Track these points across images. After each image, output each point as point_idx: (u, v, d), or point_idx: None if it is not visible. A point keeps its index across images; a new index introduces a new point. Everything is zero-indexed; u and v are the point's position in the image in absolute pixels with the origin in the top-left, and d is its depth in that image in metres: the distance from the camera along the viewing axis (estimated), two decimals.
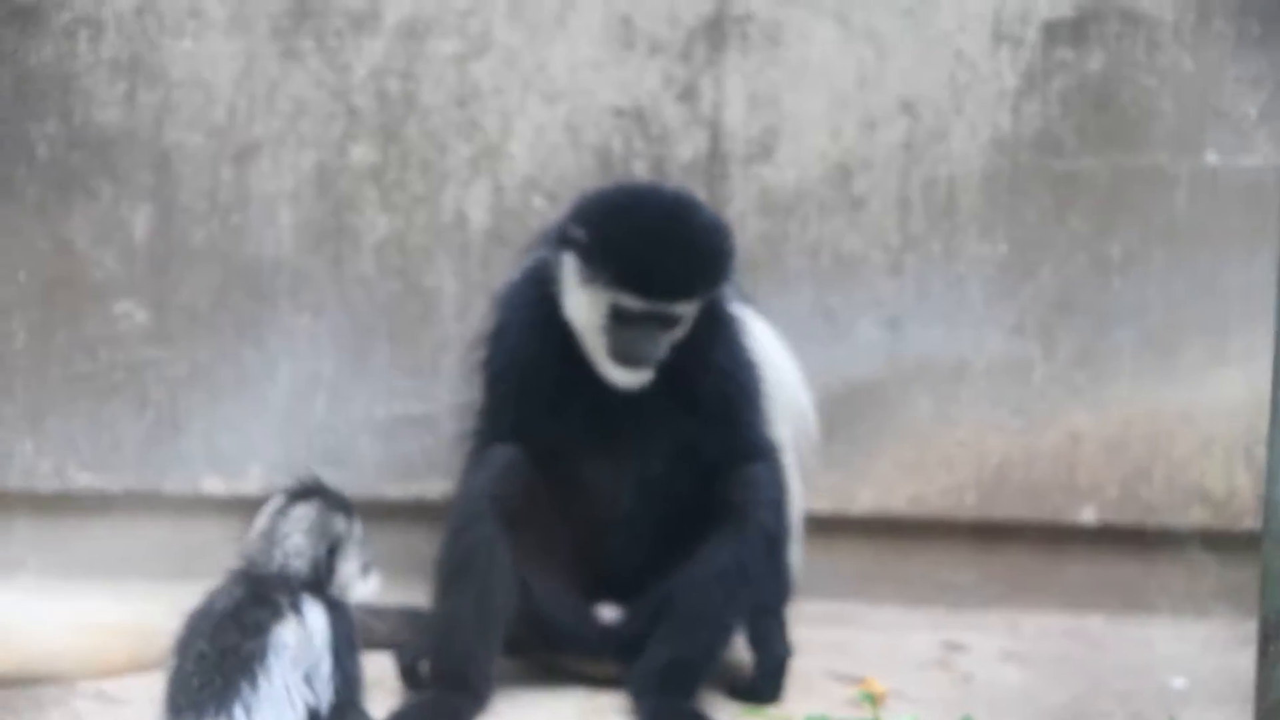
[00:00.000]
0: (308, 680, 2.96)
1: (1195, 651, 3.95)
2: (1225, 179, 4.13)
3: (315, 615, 3.00)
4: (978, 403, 4.12)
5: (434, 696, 3.49)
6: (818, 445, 3.84)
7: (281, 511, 3.10)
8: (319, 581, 3.05)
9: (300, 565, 3.05)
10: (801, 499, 3.75)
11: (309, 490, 3.13)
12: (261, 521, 3.10)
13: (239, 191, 4.09)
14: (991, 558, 4.16)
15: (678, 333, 3.57)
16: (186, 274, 4.11)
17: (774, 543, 3.60)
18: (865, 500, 4.13)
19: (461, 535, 3.51)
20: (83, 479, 4.10)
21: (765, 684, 3.63)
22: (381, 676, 3.50)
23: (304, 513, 3.10)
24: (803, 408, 3.77)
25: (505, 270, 4.03)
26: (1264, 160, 4.10)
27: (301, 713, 2.94)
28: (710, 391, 3.61)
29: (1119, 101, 4.12)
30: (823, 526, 3.99)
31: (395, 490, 4.07)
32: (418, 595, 3.66)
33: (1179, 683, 3.80)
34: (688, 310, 3.55)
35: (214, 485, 4.10)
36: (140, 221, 4.10)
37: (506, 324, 3.66)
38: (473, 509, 3.52)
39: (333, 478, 3.99)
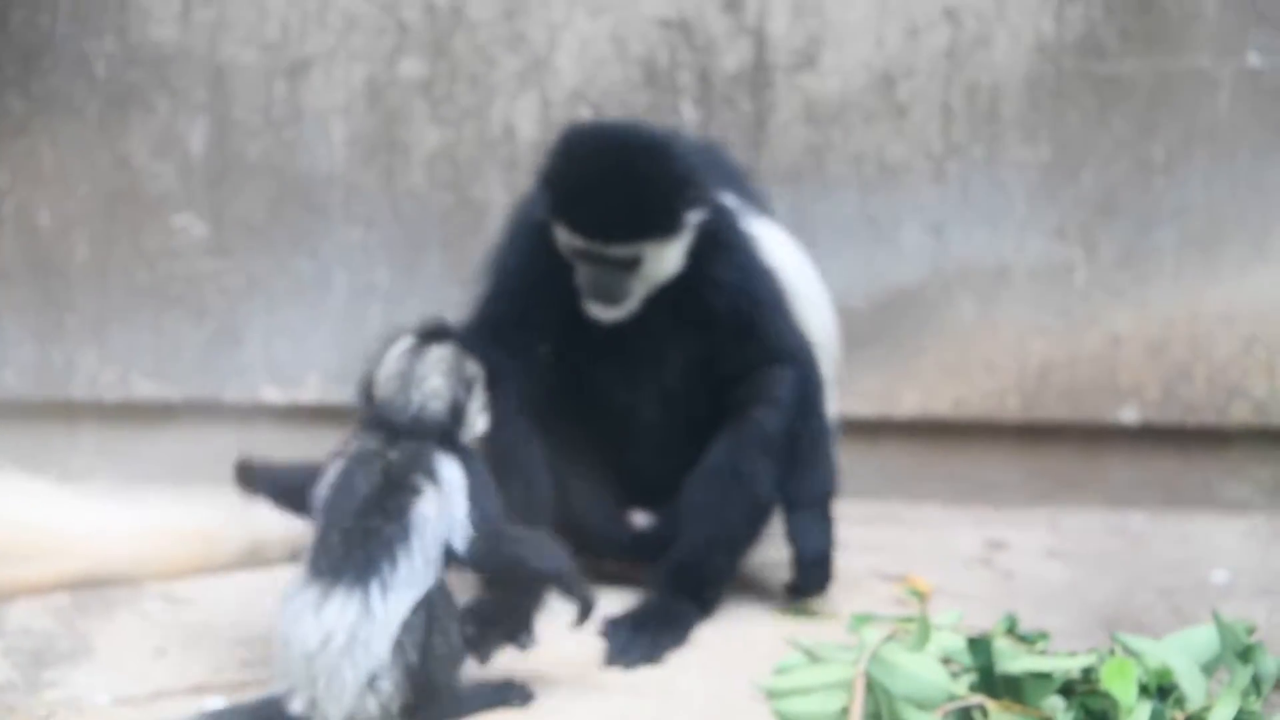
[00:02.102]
0: (448, 533, 3.04)
1: (1236, 546, 4.00)
2: (1267, 80, 4.13)
3: (451, 472, 3.06)
4: (1020, 306, 4.16)
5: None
6: (860, 347, 3.88)
7: (416, 353, 3.11)
8: (454, 424, 3.09)
9: (438, 408, 3.08)
10: (833, 403, 3.73)
11: (443, 331, 3.14)
12: (393, 363, 3.11)
13: (292, 106, 4.15)
14: (1034, 457, 4.20)
15: (652, 270, 3.53)
16: (242, 187, 4.17)
17: (769, 440, 3.57)
18: (909, 403, 4.18)
19: (499, 434, 3.46)
20: (145, 388, 4.18)
21: (803, 577, 3.65)
22: None
23: (440, 354, 3.11)
24: (824, 316, 3.74)
25: None
26: None
27: (431, 583, 3.03)
28: (724, 309, 3.59)
29: (1161, 4, 4.13)
30: (867, 429, 4.05)
31: None
32: None
33: (1220, 576, 3.84)
34: (641, 252, 3.50)
35: (272, 394, 4.18)
36: (196, 136, 4.16)
37: (511, 243, 3.66)
38: (504, 410, 3.46)
39: None
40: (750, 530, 3.63)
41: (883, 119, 4.15)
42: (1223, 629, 2.95)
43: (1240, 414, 4.16)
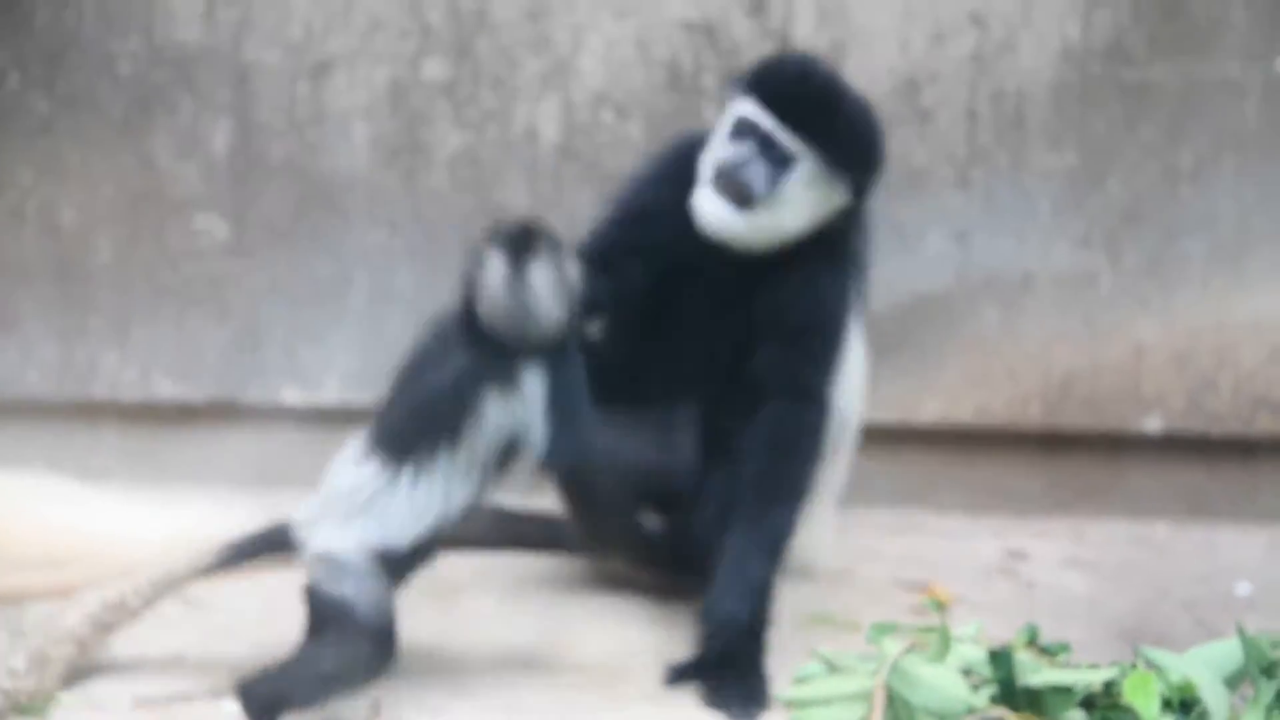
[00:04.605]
0: (516, 438, 3.10)
1: (1260, 558, 3.98)
2: None
3: (531, 384, 3.11)
4: (1044, 314, 4.14)
5: None
6: (882, 354, 3.83)
7: (518, 272, 3.10)
8: (558, 338, 3.12)
9: (547, 327, 3.11)
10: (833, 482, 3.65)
11: (543, 241, 3.13)
12: (492, 278, 3.12)
13: (315, 107, 4.15)
14: (1056, 466, 4.18)
15: (791, 196, 3.41)
16: (265, 188, 4.17)
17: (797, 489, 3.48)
18: (931, 410, 4.16)
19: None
20: (166, 389, 4.19)
21: (703, 643, 3.39)
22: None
23: (548, 273, 3.12)
24: (857, 406, 3.63)
25: (575, 185, 4.09)
26: None
27: (474, 486, 3.11)
28: (803, 312, 3.49)
29: (1189, 10, 4.11)
30: (889, 436, 4.03)
31: None
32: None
33: (1244, 589, 3.83)
34: (801, 153, 3.40)
35: (293, 396, 4.18)
36: (220, 137, 4.16)
37: (647, 172, 3.63)
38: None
39: None
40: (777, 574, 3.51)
41: (907, 124, 4.14)
42: (1247, 643, 2.93)
43: (1266, 424, 4.14)
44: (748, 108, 3.46)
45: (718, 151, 3.47)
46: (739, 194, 3.43)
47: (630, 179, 3.66)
